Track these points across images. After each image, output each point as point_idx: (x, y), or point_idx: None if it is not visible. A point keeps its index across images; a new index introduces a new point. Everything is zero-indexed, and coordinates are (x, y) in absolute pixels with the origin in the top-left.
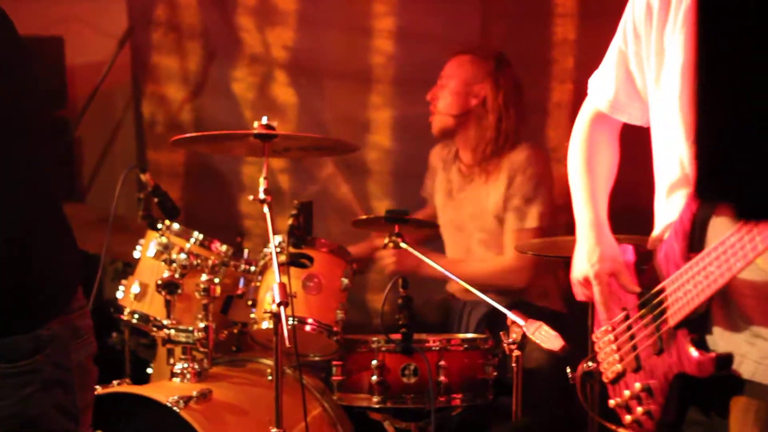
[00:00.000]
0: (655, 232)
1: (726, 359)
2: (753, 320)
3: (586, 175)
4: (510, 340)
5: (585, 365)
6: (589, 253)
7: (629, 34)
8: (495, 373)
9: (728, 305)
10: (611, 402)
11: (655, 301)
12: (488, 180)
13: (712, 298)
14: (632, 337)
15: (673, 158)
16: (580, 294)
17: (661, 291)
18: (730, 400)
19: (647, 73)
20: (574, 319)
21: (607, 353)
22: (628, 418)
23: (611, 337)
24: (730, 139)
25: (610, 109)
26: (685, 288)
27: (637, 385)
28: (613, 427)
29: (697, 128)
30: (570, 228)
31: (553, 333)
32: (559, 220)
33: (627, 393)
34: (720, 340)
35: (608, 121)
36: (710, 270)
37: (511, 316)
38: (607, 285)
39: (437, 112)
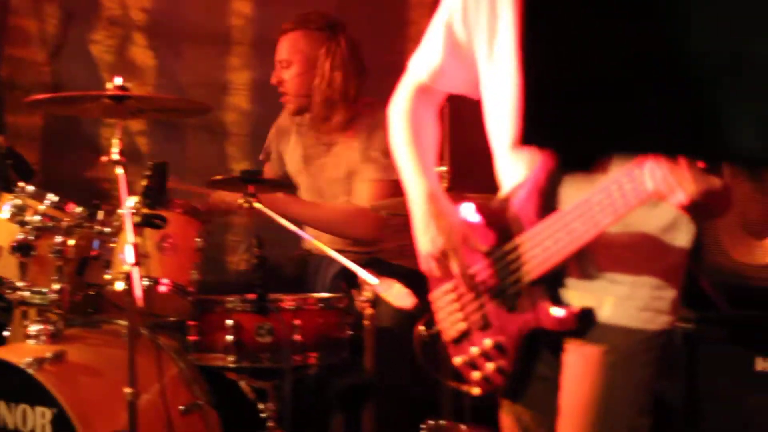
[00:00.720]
0: (503, 191)
1: (588, 314)
2: (608, 268)
3: (414, 147)
4: (363, 299)
5: (423, 327)
6: (429, 226)
7: (457, 8)
8: (350, 332)
9: (581, 258)
10: (456, 359)
11: (508, 258)
12: (347, 144)
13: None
14: (479, 295)
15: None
16: (427, 267)
17: (515, 248)
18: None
19: (478, 45)
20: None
21: (449, 312)
22: (476, 374)
23: (453, 296)
24: (553, 89)
25: (432, 79)
26: (544, 245)
27: (487, 342)
28: (459, 384)
29: (523, 80)
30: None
31: (405, 291)
32: None
33: (475, 350)
34: (575, 291)
35: (430, 93)
36: (574, 227)
37: (363, 274)
38: (460, 257)
39: (288, 95)
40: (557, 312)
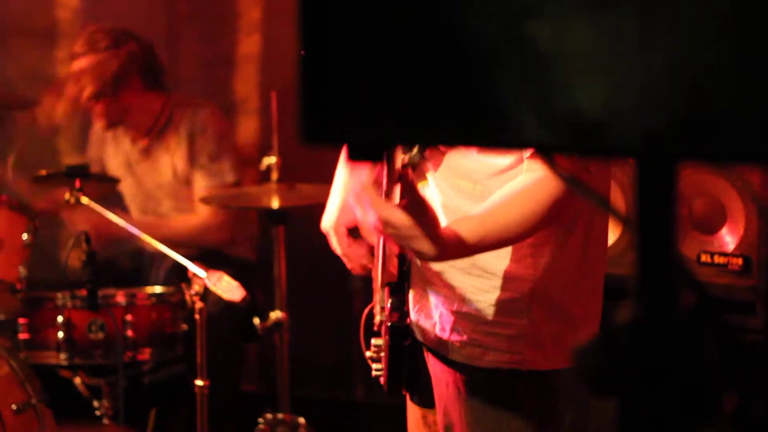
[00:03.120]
0: None
1: (400, 330)
2: (438, 290)
3: None
4: (193, 292)
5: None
6: (329, 205)
7: None
8: (185, 326)
9: (420, 272)
10: (367, 353)
11: (374, 254)
12: (167, 147)
13: (402, 261)
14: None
15: None
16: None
17: (376, 252)
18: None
19: None
20: (262, 268)
21: (376, 301)
22: (373, 371)
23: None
24: (333, 71)
25: None
26: (379, 245)
27: (377, 342)
28: None
29: (302, 58)
30: (260, 179)
31: (234, 283)
32: (249, 173)
33: (373, 348)
34: (414, 305)
35: None
36: None
37: (191, 267)
38: (339, 237)
39: (97, 118)
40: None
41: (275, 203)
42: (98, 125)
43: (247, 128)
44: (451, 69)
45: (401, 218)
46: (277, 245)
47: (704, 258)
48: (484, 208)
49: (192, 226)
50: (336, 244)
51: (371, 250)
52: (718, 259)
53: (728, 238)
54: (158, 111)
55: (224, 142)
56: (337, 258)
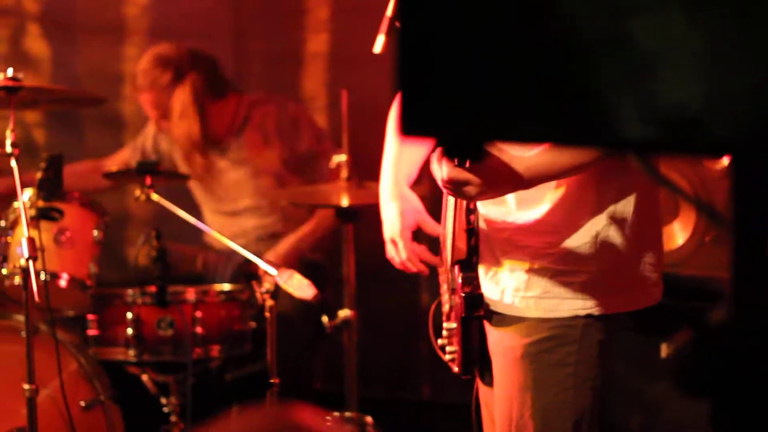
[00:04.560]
0: None
1: (473, 299)
2: (508, 255)
3: (394, 140)
4: (263, 290)
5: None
6: (385, 213)
7: None
8: (253, 324)
9: (488, 242)
10: (439, 341)
11: (441, 242)
12: (253, 146)
13: (469, 236)
14: (447, 278)
15: None
16: (391, 253)
17: (444, 233)
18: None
19: None
20: (330, 268)
21: (442, 292)
22: (446, 357)
23: (442, 276)
24: (433, 67)
25: None
26: (448, 225)
27: (449, 326)
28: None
29: (399, 56)
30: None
31: (305, 281)
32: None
33: (445, 333)
34: (485, 279)
35: None
36: (447, 206)
37: (262, 265)
38: (405, 241)
39: (187, 141)
40: (460, 293)
41: (345, 201)
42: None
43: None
44: (554, 66)
45: (466, 175)
46: (346, 243)
47: None
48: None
49: (322, 223)
50: (402, 250)
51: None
52: None
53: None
54: (233, 113)
55: (322, 130)
56: None
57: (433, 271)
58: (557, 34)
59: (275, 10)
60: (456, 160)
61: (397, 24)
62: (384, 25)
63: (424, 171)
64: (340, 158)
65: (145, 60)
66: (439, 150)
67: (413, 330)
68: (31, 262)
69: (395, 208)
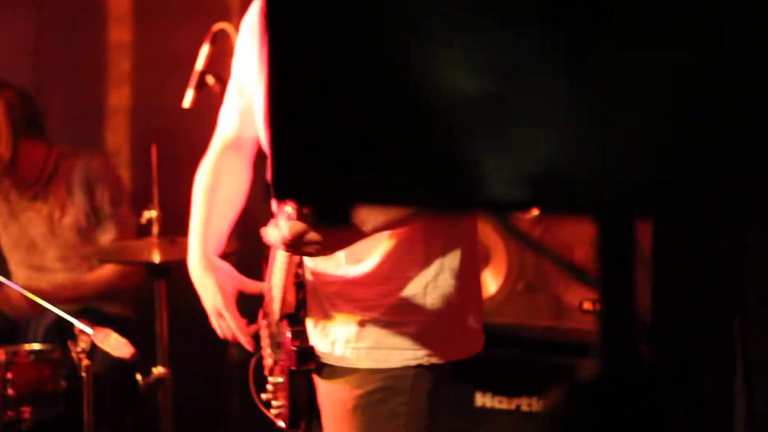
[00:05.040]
0: None
1: (305, 353)
2: (339, 308)
3: (200, 207)
4: (79, 349)
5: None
6: (202, 288)
7: (237, 58)
8: (65, 384)
9: (317, 294)
10: (263, 395)
11: (268, 299)
12: (57, 198)
13: (297, 289)
14: (271, 333)
15: None
16: (218, 328)
17: (269, 285)
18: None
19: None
20: (141, 324)
21: (264, 346)
22: (271, 412)
23: (265, 330)
24: (303, 133)
25: (237, 133)
26: (275, 279)
27: (275, 380)
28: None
29: (269, 121)
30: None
31: (122, 340)
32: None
33: (270, 387)
34: (314, 331)
35: (239, 146)
36: (277, 260)
37: (78, 324)
38: (232, 313)
39: None
40: (289, 347)
41: (156, 257)
42: None
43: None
44: (420, 126)
45: (303, 227)
46: (158, 300)
47: (586, 305)
48: None
49: (109, 277)
50: (231, 321)
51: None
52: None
53: None
54: (43, 160)
55: (122, 189)
56: None
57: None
58: (423, 94)
59: (75, 64)
60: (302, 218)
61: (211, 78)
62: (193, 80)
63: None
64: (151, 214)
65: None
66: (281, 210)
67: (225, 385)
68: None
69: (211, 281)
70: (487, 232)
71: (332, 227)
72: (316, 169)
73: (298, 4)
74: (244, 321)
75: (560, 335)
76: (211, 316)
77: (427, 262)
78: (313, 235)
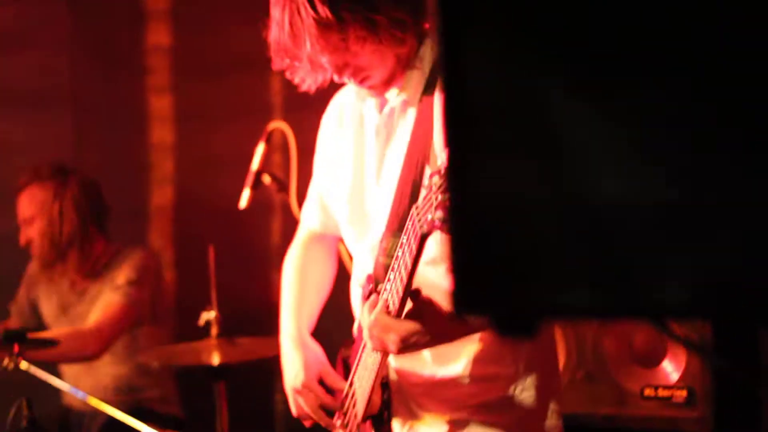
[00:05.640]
0: (355, 324)
1: None
2: (426, 406)
3: (291, 289)
4: None
5: None
6: (288, 364)
7: (318, 156)
8: None
9: (403, 395)
10: None
11: (344, 398)
12: (98, 288)
13: (383, 390)
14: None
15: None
16: (294, 406)
17: (350, 387)
18: None
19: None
20: (194, 425)
21: None
22: None
23: (341, 430)
24: (484, 248)
25: (321, 228)
26: (360, 380)
27: None
28: None
29: (451, 238)
30: (183, 334)
31: None
32: (171, 323)
33: None
34: (401, 429)
35: (323, 237)
36: (366, 360)
37: (144, 428)
38: (313, 394)
39: (35, 252)
40: None
41: (216, 359)
42: (35, 265)
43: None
44: (597, 239)
45: (417, 326)
46: (219, 401)
47: (648, 392)
48: None
49: (75, 331)
50: (313, 399)
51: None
52: (662, 393)
53: (671, 370)
54: (98, 255)
55: (144, 274)
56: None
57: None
58: (602, 208)
59: (118, 164)
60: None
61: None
62: (249, 180)
63: None
64: (209, 315)
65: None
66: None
67: None
68: None
69: (299, 358)
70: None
71: (515, 339)
72: (498, 283)
73: (477, 133)
74: (328, 399)
75: (622, 423)
76: (290, 393)
77: (514, 362)
78: (418, 328)
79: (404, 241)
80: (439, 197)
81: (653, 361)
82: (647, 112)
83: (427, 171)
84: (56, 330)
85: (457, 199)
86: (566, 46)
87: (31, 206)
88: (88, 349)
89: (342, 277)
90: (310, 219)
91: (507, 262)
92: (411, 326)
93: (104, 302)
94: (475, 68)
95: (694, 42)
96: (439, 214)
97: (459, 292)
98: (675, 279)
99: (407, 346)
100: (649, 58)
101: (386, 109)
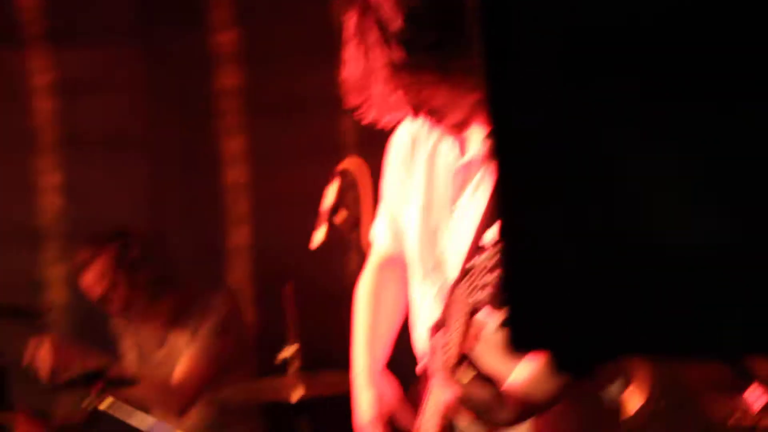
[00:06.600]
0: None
1: None
2: None
3: (364, 318)
4: None
5: None
6: (360, 400)
7: (387, 180)
8: None
9: None
10: None
11: None
12: (179, 335)
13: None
14: None
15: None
16: None
17: (418, 428)
18: None
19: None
20: None
21: None
22: None
23: None
24: (541, 284)
25: (392, 251)
26: (426, 424)
27: None
28: None
29: (503, 274)
30: (263, 371)
31: None
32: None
33: None
34: None
35: (395, 261)
36: (434, 404)
37: None
38: (381, 429)
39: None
40: None
41: (297, 394)
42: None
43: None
44: (656, 280)
45: (481, 393)
46: None
47: (733, 420)
48: (534, 369)
49: (161, 385)
50: None
51: None
52: (747, 420)
53: (755, 398)
54: (173, 307)
55: (227, 321)
56: None
57: None
58: (661, 249)
59: (193, 205)
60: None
61: (338, 217)
62: (321, 219)
63: None
64: (289, 351)
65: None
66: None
67: None
68: None
69: (369, 396)
70: None
71: (574, 377)
72: (555, 320)
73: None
74: None
75: None
76: (360, 424)
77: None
78: (487, 402)
79: (458, 310)
80: (485, 278)
81: (737, 388)
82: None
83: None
84: (142, 384)
85: (509, 234)
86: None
87: (99, 280)
88: (173, 408)
89: None
90: (381, 240)
91: (565, 300)
92: (474, 392)
93: (189, 357)
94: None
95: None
96: (483, 295)
97: (515, 329)
98: (739, 318)
99: (462, 409)
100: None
101: (467, 156)
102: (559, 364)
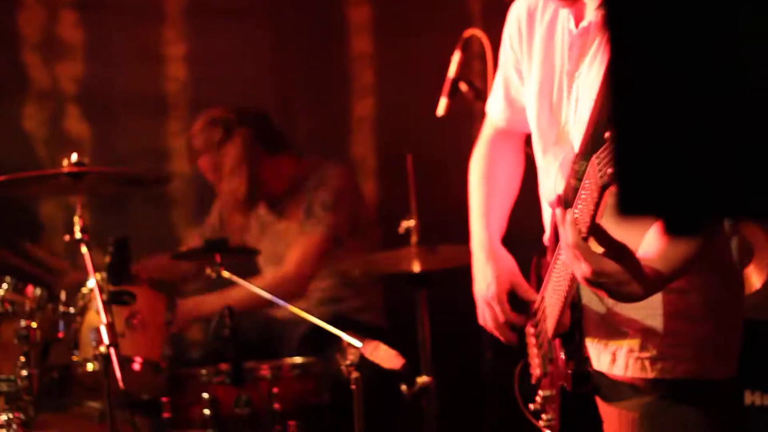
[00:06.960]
0: (546, 235)
1: (581, 377)
2: (618, 316)
3: (480, 191)
4: (348, 362)
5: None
6: (480, 274)
7: (505, 51)
8: (329, 397)
9: (594, 312)
10: (530, 405)
11: (535, 309)
12: (296, 205)
13: (572, 310)
14: (539, 346)
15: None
16: (481, 316)
17: (542, 299)
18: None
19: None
20: (394, 334)
21: (532, 355)
22: (540, 423)
23: (533, 339)
24: (650, 146)
25: (506, 123)
26: (550, 297)
27: (543, 393)
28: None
29: (614, 138)
30: (385, 242)
31: (392, 352)
32: (374, 233)
33: (539, 399)
34: (592, 347)
35: (509, 134)
36: (557, 277)
37: (346, 338)
38: (500, 308)
39: (230, 198)
40: (567, 368)
41: (416, 267)
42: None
43: (366, 190)
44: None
45: (613, 267)
46: (419, 309)
47: None
48: (662, 243)
49: (278, 279)
50: (499, 314)
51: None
52: None
53: None
54: (291, 174)
55: (340, 196)
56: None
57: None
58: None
59: (318, 76)
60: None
61: (463, 86)
62: (446, 87)
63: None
64: (409, 223)
65: (197, 124)
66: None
67: (483, 392)
68: (112, 349)
69: (491, 271)
70: (750, 229)
71: (682, 237)
72: (665, 182)
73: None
74: (513, 316)
75: None
76: (479, 303)
77: (710, 270)
78: (620, 276)
79: (587, 184)
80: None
81: None
82: None
83: None
84: (261, 277)
85: (620, 102)
86: None
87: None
88: (295, 293)
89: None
90: (496, 114)
91: (675, 161)
92: (607, 267)
93: (303, 238)
94: None
95: None
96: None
97: (627, 192)
98: None
99: (594, 282)
100: None
101: (583, 24)
102: (670, 225)
